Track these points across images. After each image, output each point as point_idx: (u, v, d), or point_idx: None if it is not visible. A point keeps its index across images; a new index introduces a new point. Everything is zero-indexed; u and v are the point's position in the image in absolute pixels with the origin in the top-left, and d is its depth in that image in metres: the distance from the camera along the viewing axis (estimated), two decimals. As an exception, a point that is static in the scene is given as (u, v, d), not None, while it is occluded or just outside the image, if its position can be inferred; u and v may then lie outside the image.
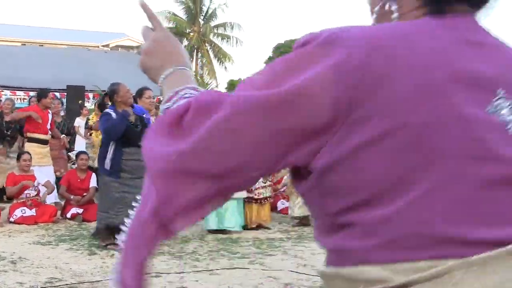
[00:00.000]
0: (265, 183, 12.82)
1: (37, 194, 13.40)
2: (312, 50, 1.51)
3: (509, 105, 1.50)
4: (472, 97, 1.47)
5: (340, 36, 1.49)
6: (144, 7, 1.98)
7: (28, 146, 14.64)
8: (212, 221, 11.83)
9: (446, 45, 1.53)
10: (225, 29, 64.65)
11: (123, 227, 1.75)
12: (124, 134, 10.08)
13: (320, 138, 1.46)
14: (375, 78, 1.43)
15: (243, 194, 11.96)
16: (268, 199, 13.14)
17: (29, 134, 14.79)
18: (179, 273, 8.63)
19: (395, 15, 1.67)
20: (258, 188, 12.69)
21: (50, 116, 15.18)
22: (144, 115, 10.61)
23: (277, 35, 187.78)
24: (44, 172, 14.09)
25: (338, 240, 1.52)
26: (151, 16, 1.99)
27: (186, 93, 1.74)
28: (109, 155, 10.14)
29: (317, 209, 1.62)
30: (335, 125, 1.44)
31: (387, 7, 1.69)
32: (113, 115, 10.21)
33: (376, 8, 1.72)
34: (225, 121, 1.47)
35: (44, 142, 14.81)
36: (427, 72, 1.46)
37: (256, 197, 12.84)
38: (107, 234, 10.25)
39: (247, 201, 12.70)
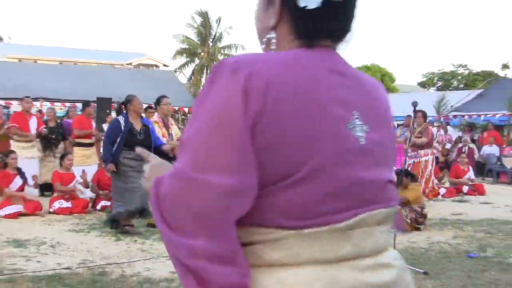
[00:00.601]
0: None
1: (74, 190, 13.48)
2: (224, 79, 1.64)
3: (360, 124, 1.75)
4: (338, 116, 1.70)
5: (242, 63, 1.65)
6: (140, 152, 2.22)
7: (75, 150, 15.05)
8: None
9: (318, 73, 1.73)
10: (230, 49, 64.83)
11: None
12: (128, 139, 10.25)
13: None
14: (272, 95, 1.61)
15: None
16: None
17: (76, 140, 15.06)
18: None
19: (273, 46, 1.86)
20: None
21: (93, 123, 15.67)
22: (149, 126, 10.91)
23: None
24: (88, 170, 14.25)
25: None
26: (144, 155, 2.17)
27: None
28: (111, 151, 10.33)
29: None
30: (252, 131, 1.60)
31: (273, 40, 1.86)
32: (122, 123, 10.52)
33: (264, 40, 1.89)
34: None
35: (89, 145, 15.27)
36: (306, 95, 1.66)
37: None
38: (117, 220, 10.44)
39: None
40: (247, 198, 1.61)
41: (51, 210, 12.87)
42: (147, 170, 2.04)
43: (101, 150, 12.55)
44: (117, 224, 10.44)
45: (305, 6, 1.74)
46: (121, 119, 10.65)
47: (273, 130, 1.61)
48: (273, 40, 1.86)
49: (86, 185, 13.85)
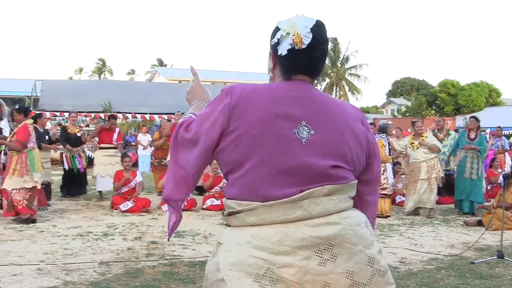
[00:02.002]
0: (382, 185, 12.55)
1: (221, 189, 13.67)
2: (220, 96, 2.40)
3: (307, 129, 2.33)
4: (286, 124, 2.31)
5: (231, 90, 2.38)
6: (192, 69, 2.96)
7: None
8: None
9: (280, 97, 2.36)
10: (356, 69, 64.98)
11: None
12: None
13: (219, 139, 2.36)
14: (239, 111, 2.32)
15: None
16: (389, 195, 12.80)
17: None
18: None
19: (269, 79, 2.60)
20: (386, 187, 12.52)
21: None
22: None
23: (395, 73, 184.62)
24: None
25: (225, 187, 2.44)
26: (193, 73, 2.95)
27: (187, 115, 2.66)
28: None
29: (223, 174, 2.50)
30: (223, 133, 2.34)
31: (270, 76, 2.59)
32: None
33: (269, 77, 2.59)
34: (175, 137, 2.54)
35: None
36: (261, 110, 2.31)
37: (389, 193, 12.69)
38: None
39: (381, 196, 12.22)
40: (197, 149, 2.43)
41: (204, 206, 13.18)
42: (190, 86, 2.91)
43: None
44: None
45: (281, 53, 2.41)
46: None
47: (236, 133, 2.31)
48: (270, 76, 2.58)
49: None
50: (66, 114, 20.12)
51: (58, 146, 15.00)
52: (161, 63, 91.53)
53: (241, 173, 2.32)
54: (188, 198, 13.03)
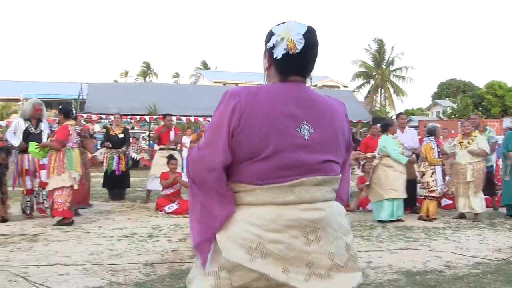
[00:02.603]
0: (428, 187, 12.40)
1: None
2: (226, 99, 2.62)
3: (307, 128, 2.64)
4: (289, 123, 2.60)
5: (236, 92, 2.62)
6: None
7: None
8: (384, 213, 11.84)
9: (280, 98, 2.63)
10: (401, 71, 64.55)
11: None
12: None
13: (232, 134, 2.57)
14: (248, 111, 2.56)
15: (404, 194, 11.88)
16: (437, 198, 12.69)
17: None
18: (367, 251, 8.63)
19: (265, 81, 2.84)
20: (435, 189, 12.40)
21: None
22: None
23: (441, 74, 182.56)
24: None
25: (230, 172, 2.65)
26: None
27: None
28: None
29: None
30: (234, 129, 2.55)
31: (265, 76, 2.84)
32: None
33: (264, 76, 2.85)
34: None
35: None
36: (267, 110, 2.57)
37: (437, 195, 12.61)
38: None
39: (430, 198, 12.35)
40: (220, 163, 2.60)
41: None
42: None
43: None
44: None
45: (277, 57, 2.67)
46: None
47: (245, 131, 2.55)
48: (266, 76, 2.83)
49: None
50: (112, 117, 20.40)
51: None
52: (205, 65, 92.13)
53: (246, 164, 2.60)
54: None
